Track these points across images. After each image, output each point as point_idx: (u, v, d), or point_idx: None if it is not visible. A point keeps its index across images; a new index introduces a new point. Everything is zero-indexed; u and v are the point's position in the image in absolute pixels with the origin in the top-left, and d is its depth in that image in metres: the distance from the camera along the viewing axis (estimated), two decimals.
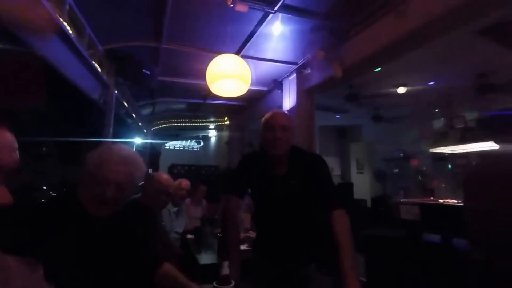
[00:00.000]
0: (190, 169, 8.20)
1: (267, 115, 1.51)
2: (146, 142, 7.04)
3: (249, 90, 2.75)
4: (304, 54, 3.58)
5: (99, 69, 3.04)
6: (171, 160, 8.54)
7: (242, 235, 2.81)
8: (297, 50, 3.49)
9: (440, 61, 3.77)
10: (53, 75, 2.26)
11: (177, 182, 2.92)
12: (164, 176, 1.97)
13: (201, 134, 9.78)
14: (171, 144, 10.43)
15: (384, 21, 2.60)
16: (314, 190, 1.41)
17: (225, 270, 1.13)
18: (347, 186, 6.84)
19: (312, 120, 3.96)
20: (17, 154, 0.54)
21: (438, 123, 5.92)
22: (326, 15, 2.74)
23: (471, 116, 5.14)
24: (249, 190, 1.60)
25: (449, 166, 5.88)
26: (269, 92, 4.87)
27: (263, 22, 2.78)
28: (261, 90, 4.79)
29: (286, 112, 2.89)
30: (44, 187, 3.70)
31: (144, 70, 3.17)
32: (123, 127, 4.96)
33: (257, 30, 2.93)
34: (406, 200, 5.48)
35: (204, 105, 5.78)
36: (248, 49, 3.34)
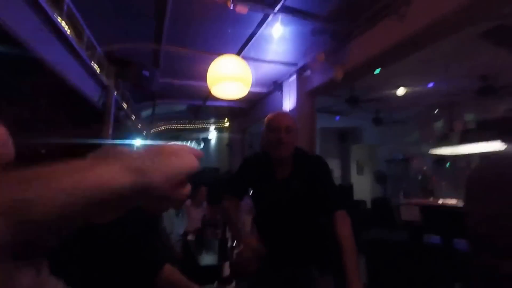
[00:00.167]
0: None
1: (270, 116, 1.48)
2: (146, 144, 7.03)
3: (249, 92, 2.74)
4: (304, 56, 3.59)
5: (98, 71, 3.04)
6: None
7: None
8: (298, 52, 3.49)
9: (441, 63, 3.78)
10: (52, 77, 2.25)
11: None
12: None
13: (202, 136, 9.77)
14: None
15: (385, 24, 2.60)
16: (317, 192, 1.40)
17: (226, 271, 1.12)
18: (347, 188, 6.83)
19: (313, 122, 3.96)
20: (10, 148, 0.52)
21: (439, 125, 5.92)
22: (327, 18, 2.74)
23: (471, 118, 5.15)
24: (250, 192, 1.59)
25: (448, 164, 5.86)
26: (269, 94, 4.87)
27: (263, 24, 2.78)
28: (261, 92, 4.79)
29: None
30: None
31: (143, 72, 3.18)
32: (122, 129, 4.96)
33: (257, 31, 2.93)
34: (406, 201, 5.48)
35: (204, 107, 5.79)
36: (249, 51, 3.35)
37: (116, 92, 3.48)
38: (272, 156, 1.44)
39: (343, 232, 1.28)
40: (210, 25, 2.87)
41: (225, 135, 7.86)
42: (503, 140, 1.50)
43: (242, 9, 2.37)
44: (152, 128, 7.43)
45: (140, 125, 5.93)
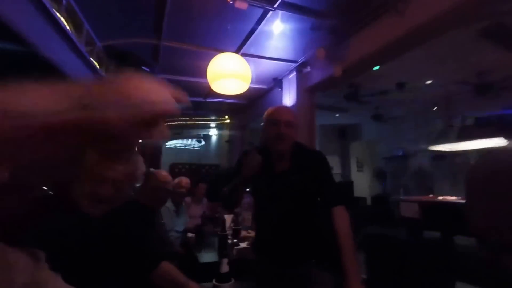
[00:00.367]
0: (191, 168, 8.21)
1: (270, 110, 1.47)
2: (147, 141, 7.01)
3: (249, 88, 2.74)
4: (304, 52, 3.57)
5: (98, 66, 3.03)
6: (172, 159, 8.54)
7: (243, 232, 2.81)
8: (297, 48, 3.47)
9: (439, 60, 3.78)
10: (50, 71, 2.24)
11: (177, 180, 2.91)
12: (163, 173, 1.96)
13: (202, 133, 9.76)
14: (171, 143, 10.41)
15: (384, 20, 2.59)
16: (316, 187, 1.40)
17: (224, 268, 1.13)
18: (347, 184, 6.84)
19: (312, 119, 3.95)
20: None
21: (437, 122, 5.92)
22: (326, 14, 2.72)
23: (469, 115, 5.15)
24: (249, 187, 1.59)
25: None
26: (269, 90, 4.86)
27: (263, 20, 2.77)
28: (261, 88, 4.78)
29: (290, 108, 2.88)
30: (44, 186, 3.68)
31: (143, 67, 3.16)
32: None
33: (257, 28, 2.92)
34: (405, 197, 5.49)
35: (204, 104, 5.77)
36: (248, 47, 3.33)
37: None
38: (272, 150, 1.44)
39: (342, 227, 1.28)
40: (210, 20, 2.85)
41: (225, 131, 7.85)
42: (504, 136, 1.50)
43: (242, 4, 2.35)
44: None
45: None
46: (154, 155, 8.19)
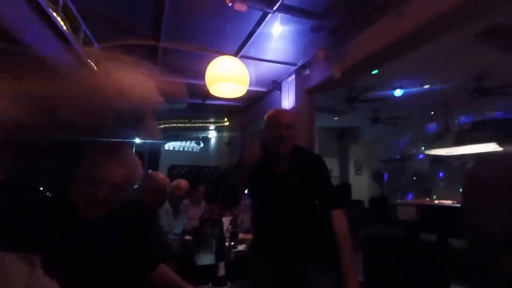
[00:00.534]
0: (190, 170, 8.19)
1: (270, 112, 1.48)
2: (145, 143, 7.01)
3: (248, 91, 2.74)
4: (303, 55, 3.58)
5: (95, 68, 3.01)
6: (171, 161, 8.52)
7: (241, 235, 2.80)
8: (296, 51, 3.48)
9: (437, 63, 3.80)
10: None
11: (175, 182, 2.90)
12: (161, 175, 1.96)
13: (201, 135, 9.75)
14: (170, 145, 10.40)
15: (383, 22, 2.60)
16: (314, 189, 1.41)
17: (221, 272, 1.12)
18: (346, 186, 6.85)
19: (312, 121, 3.95)
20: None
21: (434, 125, 5.94)
22: (325, 16, 2.73)
23: (466, 118, 5.18)
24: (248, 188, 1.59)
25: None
26: (268, 93, 4.86)
27: (262, 22, 2.77)
28: (260, 91, 4.78)
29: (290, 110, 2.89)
30: (41, 188, 3.66)
31: (141, 70, 3.15)
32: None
33: (256, 30, 2.92)
34: (402, 201, 5.50)
35: (204, 106, 5.77)
36: (248, 49, 3.34)
37: None
38: (271, 152, 1.44)
39: (340, 230, 1.28)
40: (209, 22, 2.85)
41: (225, 134, 7.85)
42: (499, 141, 1.51)
43: (241, 6, 2.36)
44: None
45: None
46: (152, 157, 8.17)
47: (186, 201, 3.57)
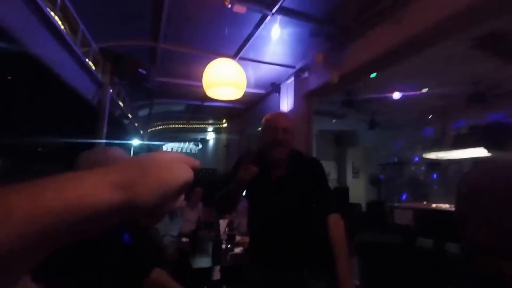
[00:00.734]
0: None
1: (268, 116, 1.47)
2: (143, 144, 6.98)
3: (247, 93, 2.74)
4: (302, 58, 3.59)
5: (93, 68, 3.00)
6: None
7: (239, 237, 2.79)
8: (295, 54, 3.49)
9: (435, 69, 3.82)
10: (45, 73, 2.21)
11: None
12: None
13: (200, 136, 9.74)
14: (168, 147, 10.38)
15: (381, 28, 2.61)
16: (311, 194, 1.40)
17: (216, 276, 1.10)
18: (343, 190, 6.84)
19: (309, 124, 3.95)
20: None
21: (432, 130, 5.97)
22: (324, 20, 2.74)
23: (464, 123, 5.20)
24: (245, 192, 1.58)
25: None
26: (267, 95, 4.86)
27: (261, 24, 2.77)
28: (259, 93, 4.78)
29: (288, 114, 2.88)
30: None
31: (140, 70, 3.14)
32: (118, 128, 4.91)
33: (255, 32, 2.92)
34: (400, 204, 5.51)
35: (202, 108, 5.76)
36: (247, 51, 3.34)
37: (112, 90, 3.45)
38: (268, 156, 1.43)
39: (336, 235, 1.27)
40: (208, 24, 2.85)
41: (223, 136, 7.84)
42: (487, 147, 1.53)
43: (240, 8, 2.36)
44: (150, 128, 7.38)
45: (137, 124, 5.89)
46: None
47: (183, 204, 3.55)
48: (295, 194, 1.41)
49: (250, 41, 3.10)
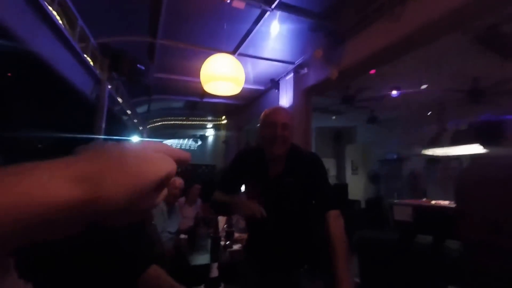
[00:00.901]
0: (186, 168, 8.14)
1: (267, 111, 1.45)
2: (142, 140, 6.96)
3: (246, 89, 2.73)
4: (301, 54, 3.57)
5: (92, 63, 2.98)
6: None
7: (237, 234, 2.79)
8: (294, 50, 3.46)
9: (434, 66, 3.81)
10: (43, 67, 2.19)
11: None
12: None
13: (199, 133, 9.72)
14: (167, 143, 10.35)
15: (380, 24, 2.60)
16: (310, 190, 1.38)
17: (214, 273, 1.10)
18: (342, 187, 6.85)
19: (308, 121, 3.94)
20: None
21: (431, 126, 5.96)
22: (323, 16, 2.72)
23: (462, 120, 5.20)
24: (243, 189, 1.57)
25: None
26: (266, 91, 4.85)
27: (260, 20, 2.75)
28: (258, 89, 4.76)
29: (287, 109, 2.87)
30: None
31: (138, 66, 3.12)
32: (117, 124, 4.89)
33: (255, 28, 2.90)
34: (399, 201, 5.52)
35: (201, 104, 5.74)
36: (246, 47, 3.31)
37: (110, 86, 3.42)
38: (267, 152, 1.41)
39: (336, 232, 1.26)
40: (207, 19, 2.83)
41: (222, 132, 7.82)
42: (482, 144, 1.52)
43: (239, 4, 2.33)
44: (148, 124, 7.36)
45: (135, 120, 5.87)
46: None
47: (181, 200, 3.55)
48: (293, 191, 1.40)
49: (249, 37, 3.07)
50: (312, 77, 3.66)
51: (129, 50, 3.21)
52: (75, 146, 1.02)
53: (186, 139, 10.61)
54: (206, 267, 1.28)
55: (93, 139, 3.12)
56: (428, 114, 5.89)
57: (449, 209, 4.31)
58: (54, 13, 2.12)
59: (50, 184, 0.22)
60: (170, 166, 0.28)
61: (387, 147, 7.04)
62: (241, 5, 2.35)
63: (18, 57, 2.02)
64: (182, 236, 2.94)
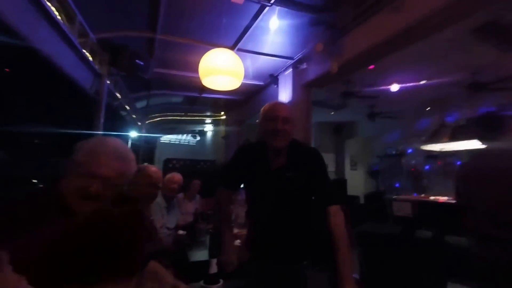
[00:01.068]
0: (185, 163, 8.15)
1: (267, 106, 1.45)
2: (141, 135, 6.96)
3: (245, 84, 2.72)
4: (300, 49, 3.55)
5: (91, 58, 2.96)
6: (167, 154, 8.46)
7: (236, 230, 2.79)
8: (294, 44, 3.45)
9: (434, 59, 3.78)
10: (42, 63, 2.18)
11: (169, 175, 2.87)
12: (153, 168, 1.92)
13: (198, 128, 9.71)
14: (166, 138, 10.34)
15: (380, 16, 2.58)
16: (311, 184, 1.39)
17: (213, 269, 1.10)
18: (341, 182, 6.86)
19: (308, 116, 3.94)
20: None
21: (430, 121, 5.95)
22: (323, 9, 2.70)
23: (462, 114, 5.20)
24: (244, 183, 1.57)
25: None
26: (265, 87, 4.83)
27: (259, 15, 2.73)
28: (257, 84, 4.75)
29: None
30: (35, 180, 3.61)
31: (137, 61, 3.10)
32: (116, 119, 4.88)
33: (254, 23, 2.88)
34: (398, 196, 5.53)
35: (200, 99, 5.72)
36: (245, 43, 3.30)
37: (109, 81, 3.41)
38: (268, 146, 1.41)
39: (337, 227, 1.27)
40: (206, 14, 2.81)
41: (221, 127, 7.82)
42: (481, 139, 1.52)
43: None
44: (147, 119, 7.35)
45: (134, 115, 5.86)
46: (148, 150, 8.14)
47: (180, 195, 3.55)
48: (294, 185, 1.40)
49: (248, 32, 3.06)
50: (312, 72, 3.65)
51: (128, 45, 3.19)
52: (75, 140, 1.02)
53: (185, 135, 10.61)
54: (206, 263, 1.29)
55: (92, 134, 3.11)
56: (427, 109, 5.88)
57: (449, 205, 4.32)
58: (53, 8, 2.11)
59: None
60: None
61: (386, 142, 7.04)
62: (240, 0, 2.33)
63: (18, 53, 2.01)
64: (181, 232, 2.94)
